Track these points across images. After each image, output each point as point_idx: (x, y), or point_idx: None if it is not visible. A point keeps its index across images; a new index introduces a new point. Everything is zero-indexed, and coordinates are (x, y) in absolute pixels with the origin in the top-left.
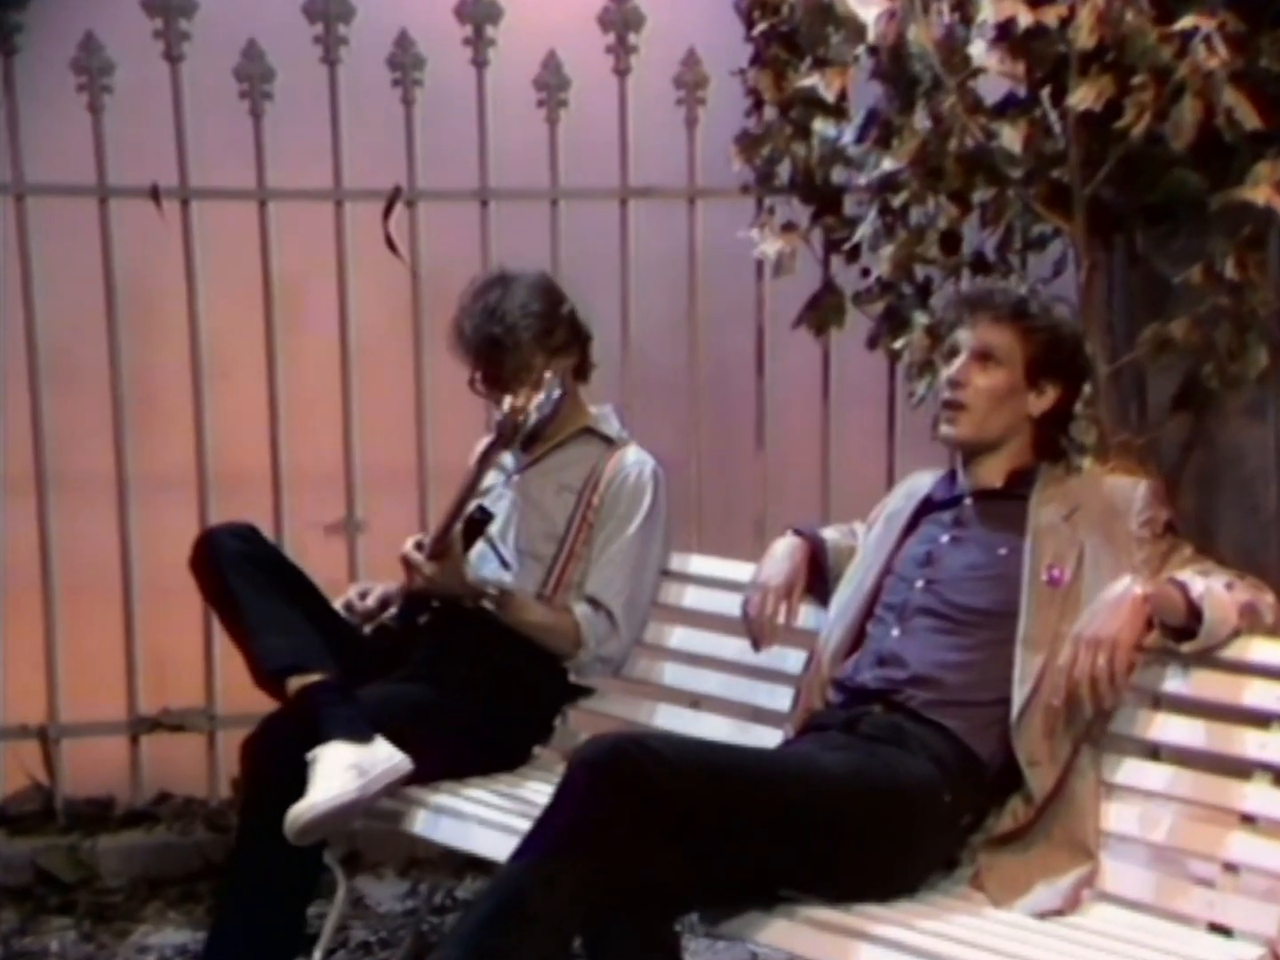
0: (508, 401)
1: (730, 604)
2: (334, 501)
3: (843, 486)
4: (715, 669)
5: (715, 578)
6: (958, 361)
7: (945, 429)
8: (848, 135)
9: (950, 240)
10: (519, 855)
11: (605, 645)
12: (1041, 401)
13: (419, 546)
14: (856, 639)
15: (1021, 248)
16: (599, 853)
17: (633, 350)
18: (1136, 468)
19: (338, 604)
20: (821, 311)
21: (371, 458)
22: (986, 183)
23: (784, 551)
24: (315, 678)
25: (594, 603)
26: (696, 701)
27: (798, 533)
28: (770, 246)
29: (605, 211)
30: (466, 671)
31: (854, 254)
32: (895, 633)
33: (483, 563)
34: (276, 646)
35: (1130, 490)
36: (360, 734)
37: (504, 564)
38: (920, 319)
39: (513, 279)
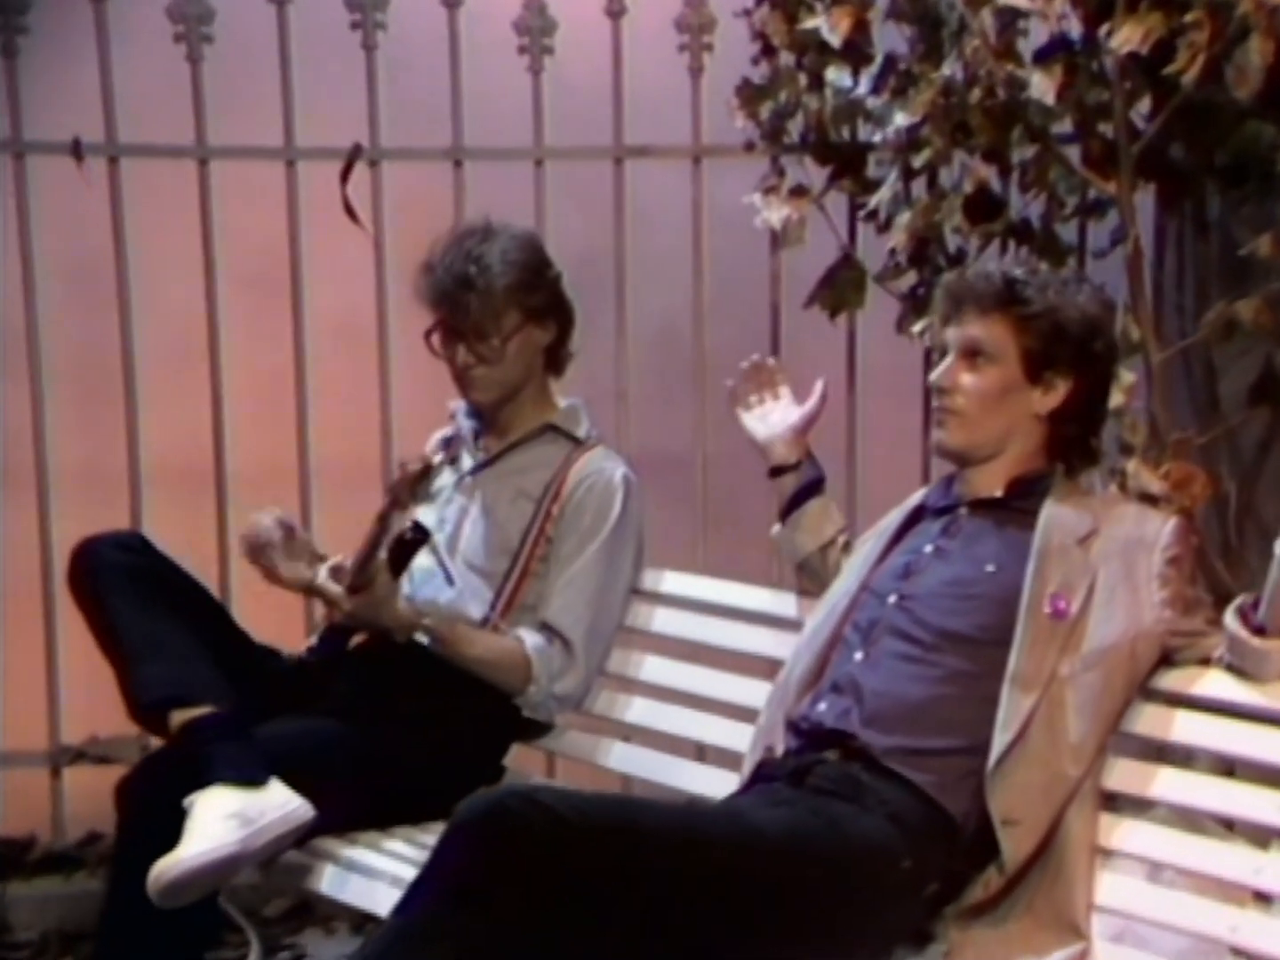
0: (411, 462)
1: (708, 629)
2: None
3: (871, 491)
4: (687, 704)
5: (691, 598)
6: (944, 363)
7: (936, 435)
8: (864, 85)
9: (982, 205)
10: (398, 911)
11: (561, 681)
12: (1049, 398)
13: (336, 572)
14: (824, 669)
15: (1075, 214)
16: (480, 917)
17: (628, 332)
18: (1195, 472)
19: (322, 572)
20: (838, 289)
21: (332, 450)
22: (1025, 139)
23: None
24: (200, 711)
25: (550, 631)
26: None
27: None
28: (775, 213)
29: (597, 173)
30: (398, 705)
31: (887, 224)
32: (858, 656)
33: (425, 580)
34: (156, 675)
35: (1158, 523)
36: (249, 777)
37: (449, 580)
38: None
39: (499, 229)
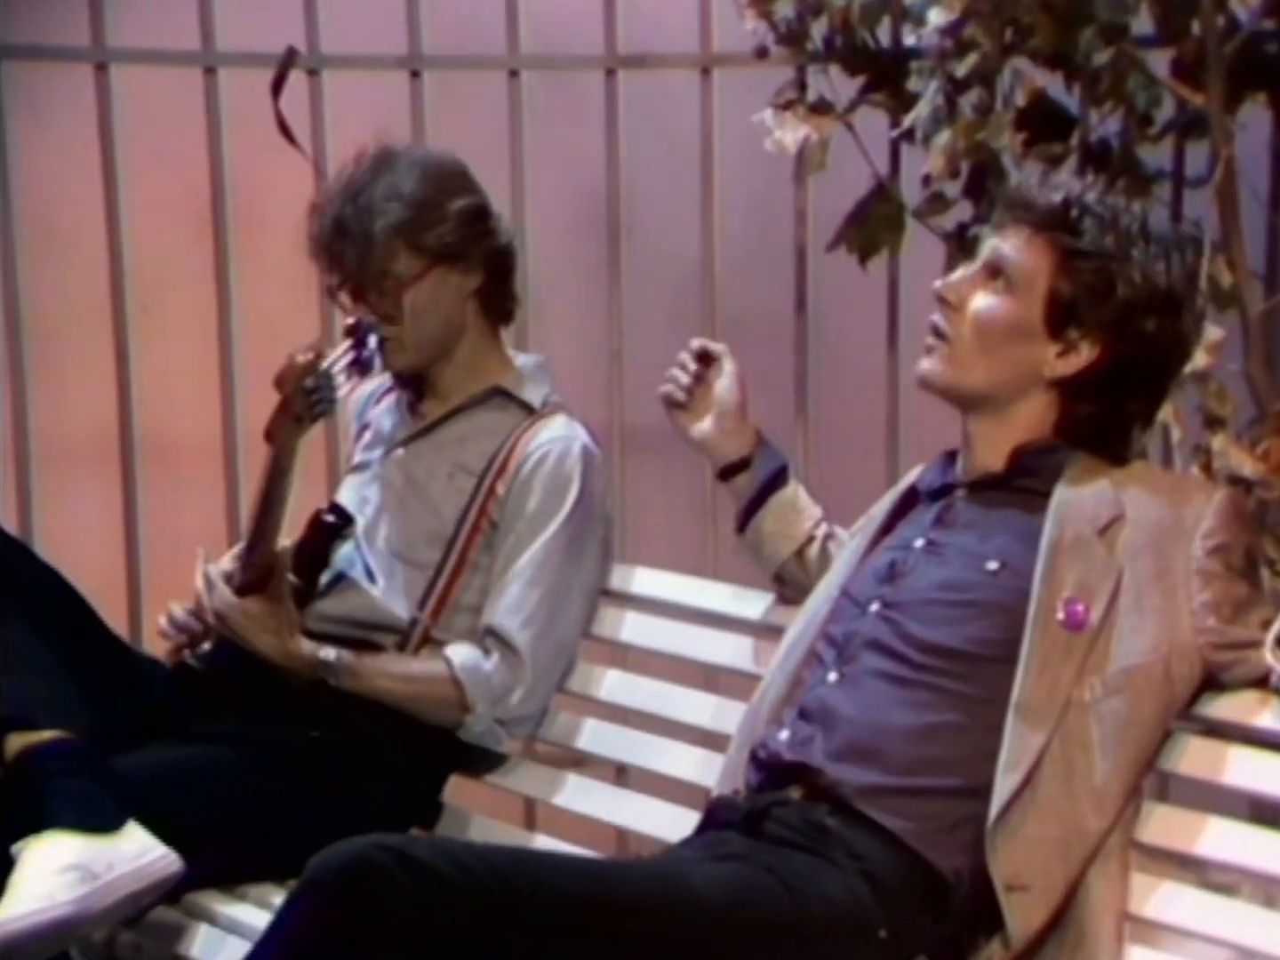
0: (298, 352)
1: (684, 637)
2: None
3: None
4: (658, 730)
5: (667, 601)
6: (958, 271)
7: (921, 365)
8: None
9: (1040, 121)
10: None
11: (505, 702)
12: (1064, 362)
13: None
14: (797, 691)
15: (1165, 132)
16: None
17: (623, 277)
18: None
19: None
20: (869, 227)
21: None
22: (1097, 40)
23: None
24: (43, 736)
25: (492, 637)
26: (623, 770)
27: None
28: (790, 133)
29: (585, 87)
30: (305, 727)
31: (925, 146)
32: (832, 677)
33: (345, 567)
34: None
35: (1199, 500)
36: (96, 819)
37: (369, 575)
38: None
39: (396, 156)
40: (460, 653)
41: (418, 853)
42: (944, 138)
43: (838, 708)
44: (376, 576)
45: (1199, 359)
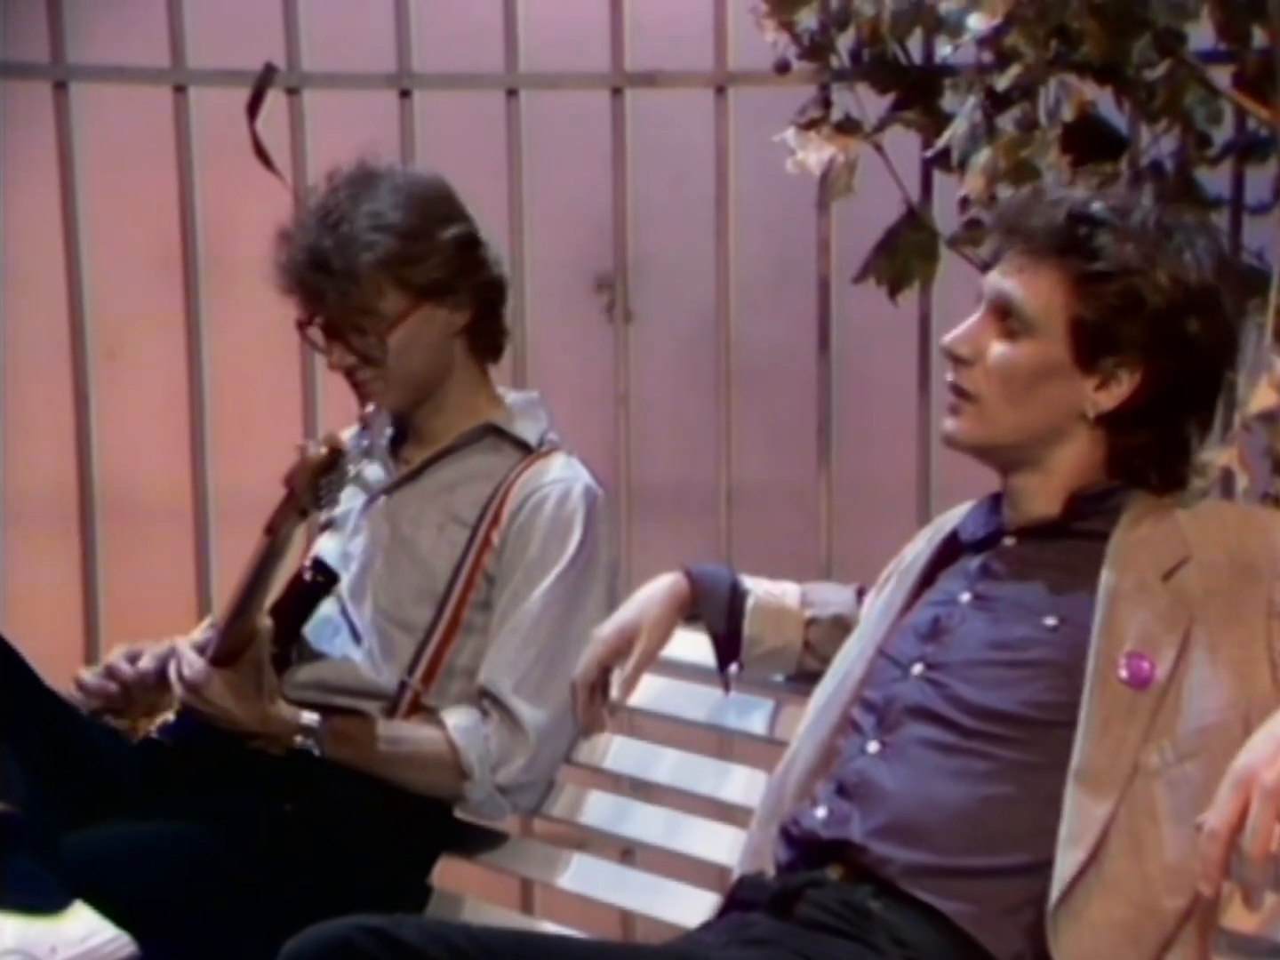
0: (311, 445)
1: (697, 699)
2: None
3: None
4: (669, 803)
5: (677, 660)
6: (967, 322)
7: (944, 425)
8: None
9: (1089, 139)
10: None
11: (506, 768)
12: (1107, 394)
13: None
14: (830, 762)
15: (1225, 154)
16: None
17: (630, 313)
18: None
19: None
20: (899, 256)
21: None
22: (1152, 51)
23: (644, 595)
24: None
25: (489, 699)
26: (629, 849)
27: (690, 574)
28: (815, 154)
29: (590, 107)
30: (279, 801)
31: (962, 167)
32: (872, 747)
33: (326, 634)
34: None
35: (1273, 533)
36: (39, 900)
37: (354, 636)
38: None
39: (379, 178)
40: (456, 715)
41: (406, 936)
42: (983, 157)
43: (880, 782)
44: (362, 638)
45: (1267, 398)
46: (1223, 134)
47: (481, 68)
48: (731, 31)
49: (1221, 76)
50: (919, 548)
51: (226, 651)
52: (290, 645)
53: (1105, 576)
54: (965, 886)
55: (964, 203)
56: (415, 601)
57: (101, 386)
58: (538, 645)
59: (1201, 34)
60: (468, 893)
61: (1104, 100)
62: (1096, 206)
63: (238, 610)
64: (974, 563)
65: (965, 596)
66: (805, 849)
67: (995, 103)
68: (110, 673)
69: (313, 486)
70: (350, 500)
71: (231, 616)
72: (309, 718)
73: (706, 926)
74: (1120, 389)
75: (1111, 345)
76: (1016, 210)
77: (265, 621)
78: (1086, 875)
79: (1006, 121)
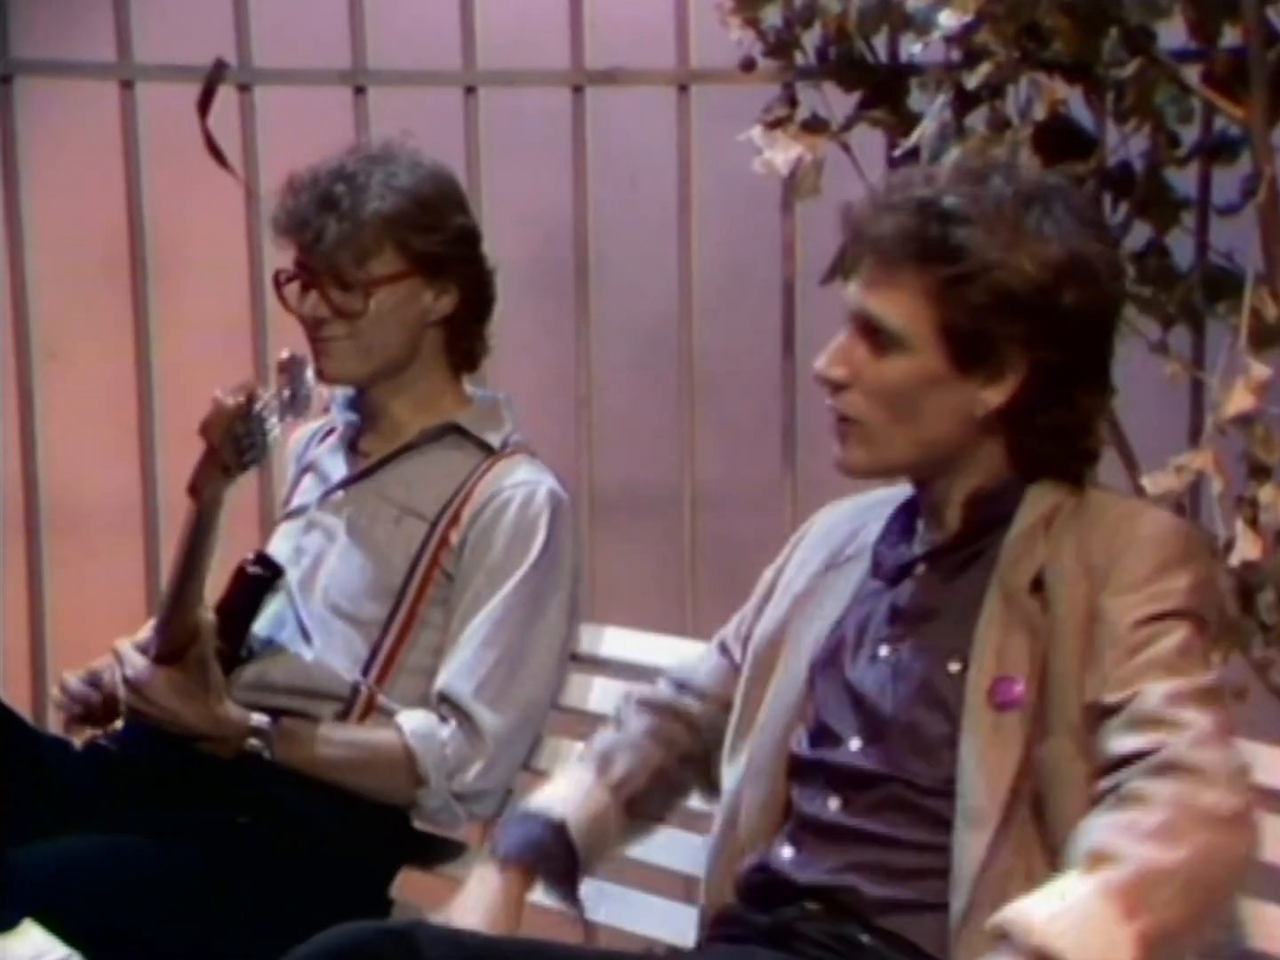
0: (225, 394)
1: None
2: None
3: None
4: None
5: (642, 664)
6: (833, 343)
7: (835, 454)
8: None
9: (1060, 139)
10: None
11: (462, 775)
12: (995, 391)
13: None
14: (787, 805)
15: (1194, 154)
16: None
17: (592, 318)
18: None
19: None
20: None
21: None
22: (1122, 49)
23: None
24: None
25: (446, 703)
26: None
27: (507, 863)
28: (781, 154)
29: (549, 104)
30: (230, 814)
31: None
32: (833, 804)
33: (278, 630)
34: None
35: (1153, 539)
36: None
37: (304, 635)
38: None
39: (399, 153)
40: (413, 719)
41: (420, 936)
42: (952, 157)
43: (845, 827)
44: (312, 636)
45: (1242, 401)
46: (1192, 134)
47: (439, 65)
48: (694, 29)
49: (1191, 75)
50: (819, 556)
51: (169, 648)
52: (240, 644)
53: (986, 600)
54: (928, 920)
55: None
56: (370, 597)
57: (44, 389)
58: (499, 649)
59: (1172, 32)
60: (429, 905)
61: (1073, 99)
62: (947, 201)
63: (174, 594)
64: (883, 602)
65: (883, 650)
66: (776, 890)
67: (964, 101)
68: (94, 679)
69: (231, 438)
70: (307, 494)
71: (170, 602)
72: (259, 719)
73: (700, 953)
74: (1006, 384)
75: (988, 346)
76: (862, 215)
77: (208, 615)
78: (971, 919)
79: (976, 121)
